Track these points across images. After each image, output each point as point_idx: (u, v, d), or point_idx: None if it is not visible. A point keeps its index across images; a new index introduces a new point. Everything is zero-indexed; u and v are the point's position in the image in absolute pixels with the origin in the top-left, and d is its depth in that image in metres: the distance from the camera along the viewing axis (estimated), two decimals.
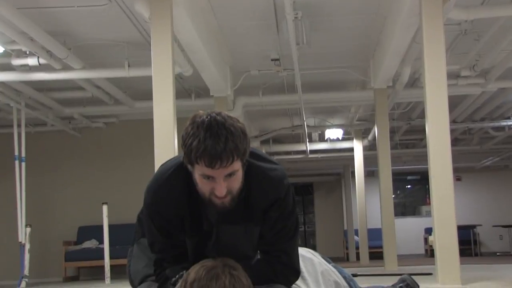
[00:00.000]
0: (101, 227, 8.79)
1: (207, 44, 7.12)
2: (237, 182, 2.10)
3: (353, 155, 14.32)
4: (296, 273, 2.32)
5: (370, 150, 14.25)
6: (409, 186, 21.17)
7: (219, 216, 2.22)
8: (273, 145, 14.47)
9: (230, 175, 2.05)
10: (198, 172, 2.05)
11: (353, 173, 15.33)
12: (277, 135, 13.70)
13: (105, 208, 8.67)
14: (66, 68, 7.89)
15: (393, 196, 9.48)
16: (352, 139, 14.24)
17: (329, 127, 13.38)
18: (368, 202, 14.30)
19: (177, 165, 2.21)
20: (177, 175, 2.19)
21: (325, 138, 14.31)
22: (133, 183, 9.58)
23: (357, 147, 14.21)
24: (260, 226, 2.25)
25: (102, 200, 9.03)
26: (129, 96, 9.90)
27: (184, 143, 2.04)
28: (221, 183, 2.04)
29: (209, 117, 2.03)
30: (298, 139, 14.36)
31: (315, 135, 14.24)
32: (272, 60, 8.52)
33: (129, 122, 11.18)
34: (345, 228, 18.52)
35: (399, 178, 17.97)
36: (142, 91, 9.35)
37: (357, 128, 13.69)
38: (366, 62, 9.20)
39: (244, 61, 8.93)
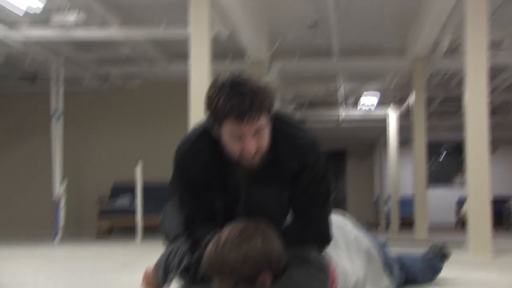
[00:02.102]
0: (135, 184, 8.90)
1: (245, 6, 7.06)
2: (264, 139, 2.12)
3: (388, 123, 14.20)
4: (327, 239, 2.32)
5: (405, 119, 14.10)
6: (442, 156, 20.96)
7: (248, 178, 2.23)
8: (307, 110, 14.41)
9: (258, 131, 2.07)
10: (227, 132, 2.07)
11: (386, 141, 15.22)
12: (312, 100, 13.63)
13: (139, 165, 8.77)
14: (104, 26, 7.91)
15: (426, 165, 9.40)
16: (387, 106, 14.10)
17: (365, 94, 13.24)
18: (400, 171, 14.21)
19: (204, 129, 2.24)
20: (205, 137, 2.22)
21: (360, 105, 14.18)
22: (167, 142, 9.63)
23: (392, 115, 14.08)
24: (288, 190, 2.25)
25: (136, 158, 9.13)
26: (165, 57, 9.91)
27: (209, 104, 2.07)
28: (250, 140, 2.06)
29: (231, 77, 2.06)
30: (333, 105, 14.27)
31: (350, 101, 14.11)
32: (310, 23, 8.43)
33: (164, 83, 11.20)
34: (376, 196, 18.47)
35: (433, 148, 17.75)
36: (178, 52, 9.34)
37: (393, 96, 13.53)
38: (405, 28, 9.04)
39: (281, 25, 8.84)
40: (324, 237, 2.31)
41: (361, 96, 13.34)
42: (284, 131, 2.21)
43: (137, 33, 8.31)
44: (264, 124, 2.08)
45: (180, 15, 7.37)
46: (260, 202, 2.27)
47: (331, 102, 14.05)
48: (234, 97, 2.00)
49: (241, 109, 2.00)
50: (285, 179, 2.23)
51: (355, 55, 10.11)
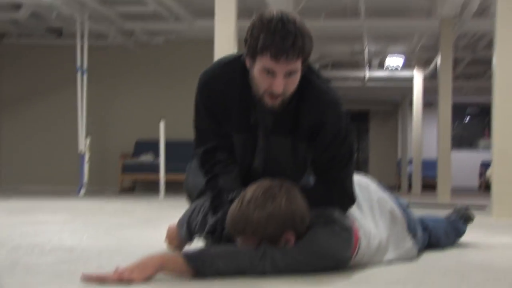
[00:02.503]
0: (158, 142, 8.95)
1: None
2: (293, 83, 2.11)
3: (413, 85, 14.06)
4: (351, 200, 2.32)
5: (431, 81, 13.94)
6: (467, 119, 20.75)
7: (268, 122, 2.22)
8: (332, 70, 14.30)
9: (290, 73, 2.06)
10: (260, 64, 2.06)
11: (411, 102, 15.09)
12: (337, 60, 13.50)
13: (162, 123, 8.80)
14: None
15: (451, 127, 9.31)
16: (413, 68, 13.94)
17: (390, 54, 13.09)
18: (424, 133, 14.12)
19: (236, 58, 2.25)
20: (234, 66, 2.23)
21: (385, 66, 14.03)
22: (190, 100, 9.62)
23: (417, 76, 13.93)
24: (304, 145, 2.24)
25: (159, 115, 9.16)
26: (190, 13, 9.84)
27: (250, 34, 2.06)
28: (280, 79, 2.05)
29: (280, 14, 2.05)
30: (358, 66, 14.14)
31: (375, 62, 13.97)
32: None
33: (189, 40, 11.15)
34: (399, 157, 18.41)
35: (458, 110, 17.58)
36: (204, 8, 9.27)
37: (419, 57, 13.36)
38: None
39: None
40: (348, 197, 2.30)
41: (386, 57, 13.18)
42: (312, 82, 2.20)
43: None
44: (298, 67, 2.07)
45: None
46: (278, 152, 2.27)
47: (356, 63, 13.91)
48: (278, 33, 2.00)
49: (282, 46, 1.99)
50: (303, 132, 2.22)
51: (381, 15, 9.95)
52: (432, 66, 13.00)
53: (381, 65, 14.18)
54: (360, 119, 20.64)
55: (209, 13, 6.10)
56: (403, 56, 13.15)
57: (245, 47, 2.10)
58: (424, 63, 13.69)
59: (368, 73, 14.06)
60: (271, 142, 2.26)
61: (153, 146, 10.04)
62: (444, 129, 9.12)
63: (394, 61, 13.28)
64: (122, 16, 10.07)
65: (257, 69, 2.08)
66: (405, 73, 14.33)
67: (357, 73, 14.57)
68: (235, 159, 2.33)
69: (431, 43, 11.92)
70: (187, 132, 8.87)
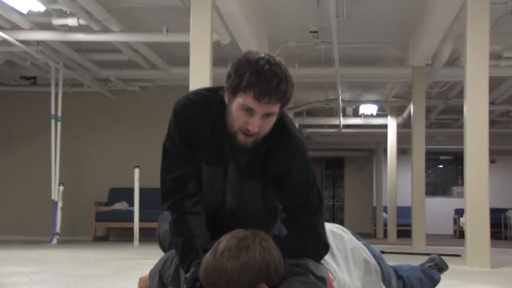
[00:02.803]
0: (132, 190, 8.88)
1: (246, 12, 7.05)
2: (268, 125, 2.11)
3: (387, 132, 14.20)
4: (325, 246, 2.30)
5: (404, 128, 14.10)
6: (441, 166, 20.96)
7: (242, 163, 2.22)
8: (307, 117, 14.41)
9: (268, 115, 2.07)
10: (240, 101, 2.05)
11: (385, 150, 15.21)
12: (311, 108, 13.62)
13: (136, 171, 8.75)
14: (105, 30, 7.91)
15: (424, 175, 9.39)
16: (387, 115, 14.10)
17: (364, 102, 13.25)
18: (398, 180, 14.19)
19: (214, 90, 2.25)
20: (211, 97, 2.22)
21: (359, 114, 14.19)
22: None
23: (391, 124, 14.07)
24: (271, 190, 2.23)
25: (134, 163, 9.11)
26: (166, 62, 9.90)
27: (235, 71, 2.06)
28: (258, 119, 2.05)
29: (268, 55, 2.07)
30: (332, 113, 14.26)
31: (349, 110, 14.12)
32: (310, 32, 8.43)
33: (164, 88, 11.20)
34: (374, 204, 18.45)
35: (431, 158, 17.76)
36: (179, 57, 9.34)
37: (392, 105, 13.54)
38: (406, 38, 9.04)
39: (282, 32, 8.84)
40: (321, 244, 2.28)
41: (360, 104, 13.34)
42: (286, 127, 2.21)
43: (138, 38, 8.31)
44: (276, 111, 2.08)
45: (181, 21, 7.37)
46: (248, 195, 2.26)
47: (331, 110, 14.04)
48: (264, 74, 2.00)
49: (267, 88, 2.00)
50: (270, 177, 2.22)
51: (355, 64, 10.10)
52: (405, 113, 13.17)
53: (355, 113, 14.32)
54: (335, 166, 20.74)
55: (185, 61, 6.15)
56: (377, 104, 13.32)
57: (227, 83, 2.10)
58: (397, 111, 13.87)
59: (342, 121, 14.20)
60: (242, 184, 2.26)
61: (127, 194, 9.95)
62: (418, 176, 9.19)
63: (368, 108, 13.43)
64: (97, 64, 10.10)
65: (236, 105, 2.07)
66: (379, 121, 14.48)
67: (332, 121, 14.69)
68: (202, 196, 2.31)
69: (404, 91, 12.12)
70: None
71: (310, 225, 2.25)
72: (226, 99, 2.13)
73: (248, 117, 2.06)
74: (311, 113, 14.49)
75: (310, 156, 2.26)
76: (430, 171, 20.06)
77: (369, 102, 13.24)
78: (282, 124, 2.19)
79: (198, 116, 2.22)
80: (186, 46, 6.00)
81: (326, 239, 2.30)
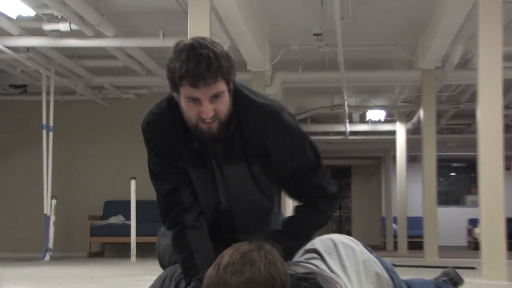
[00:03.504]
0: (128, 203, 8.88)
1: (246, 15, 7.07)
2: (223, 105, 2.14)
3: (395, 139, 14.21)
4: (333, 197, 2.37)
5: (414, 134, 14.10)
6: (453, 174, 20.94)
7: (219, 152, 2.25)
8: (311, 124, 14.42)
9: (215, 96, 2.10)
10: (183, 95, 2.11)
11: (394, 157, 15.21)
12: (316, 114, 13.64)
13: (133, 183, 8.75)
14: (98, 35, 7.93)
15: (436, 183, 9.38)
16: (395, 121, 14.11)
17: (371, 108, 13.26)
18: (409, 189, 14.19)
19: (169, 97, 2.30)
20: (170, 104, 2.29)
21: (366, 120, 14.19)
22: None
23: (400, 130, 14.08)
24: (258, 163, 2.26)
25: (130, 175, 9.11)
26: (162, 67, 9.92)
27: (168, 67, 2.12)
28: (206, 105, 2.09)
29: (191, 40, 2.11)
30: (338, 120, 14.27)
31: (355, 116, 14.13)
32: (314, 34, 8.45)
33: (161, 95, 11.09)
34: (383, 215, 18.43)
35: (443, 165, 17.74)
36: None
37: (401, 110, 13.56)
38: (415, 40, 9.06)
39: (284, 35, 8.86)
40: (331, 200, 2.36)
41: (367, 110, 13.35)
42: (246, 99, 2.24)
43: (133, 43, 8.33)
44: (222, 89, 2.10)
45: (178, 24, 7.39)
46: (236, 182, 2.29)
47: (336, 117, 14.05)
48: (191, 60, 2.04)
49: (197, 72, 2.04)
50: (252, 154, 2.25)
51: (361, 68, 10.12)
52: (415, 119, 13.17)
53: (362, 119, 14.33)
54: (342, 175, 20.73)
55: None
56: (385, 109, 13.33)
57: (169, 84, 2.17)
58: (406, 116, 13.88)
59: (349, 127, 14.21)
60: (227, 174, 2.29)
61: (123, 207, 9.95)
62: (429, 185, 9.18)
63: (376, 114, 13.44)
64: (91, 71, 10.12)
65: (182, 100, 2.13)
66: (388, 127, 14.49)
67: (338, 127, 14.69)
68: (200, 207, 2.34)
69: (413, 95, 12.13)
70: None
71: (314, 185, 2.31)
72: (176, 98, 2.19)
73: (198, 106, 2.11)
74: (315, 119, 14.50)
75: (287, 116, 2.26)
76: (441, 179, 20.04)
77: (376, 107, 13.24)
78: (240, 97, 2.23)
79: (166, 126, 2.29)
80: None
81: (335, 191, 2.37)
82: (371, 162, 20.26)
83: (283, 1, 7.62)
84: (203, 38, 2.12)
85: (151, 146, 2.35)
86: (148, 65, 9.56)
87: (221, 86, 2.10)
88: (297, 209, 2.38)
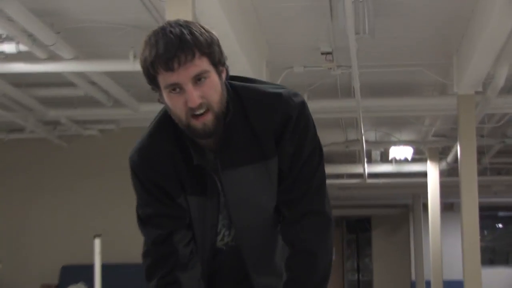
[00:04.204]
0: (91, 267, 8.81)
1: (238, 30, 7.11)
2: (212, 89, 2.16)
3: (426, 182, 14.19)
4: (329, 220, 2.34)
5: (449, 176, 14.11)
6: (500, 225, 20.91)
7: (218, 156, 2.27)
8: None
9: (199, 78, 2.12)
10: (163, 86, 2.16)
11: (425, 205, 15.18)
12: (327, 152, 13.57)
13: (97, 242, 8.69)
14: (53, 57, 7.94)
15: (479, 237, 9.35)
16: (426, 160, 14.11)
17: (395, 143, 13.27)
18: (444, 245, 14.14)
19: (161, 113, 2.37)
20: (163, 120, 2.35)
21: (389, 159, 14.20)
22: (134, 210, 9.59)
23: (432, 171, 14.07)
24: (275, 163, 2.30)
25: (93, 232, 9.05)
26: (134, 97, 9.94)
27: (140, 64, 2.19)
28: (190, 89, 2.12)
29: (162, 25, 2.17)
30: (354, 159, 14.27)
31: (376, 154, 14.15)
32: (322, 53, 8.48)
33: (132, 130, 11.19)
34: (413, 278, 18.35)
35: (487, 214, 17.74)
36: (149, 90, 9.36)
37: (433, 146, 13.57)
38: (448, 59, 9.10)
39: (285, 54, 8.90)
40: (326, 218, 2.34)
41: (391, 147, 13.36)
42: (247, 86, 2.30)
43: (97, 66, 8.35)
44: (205, 67, 2.13)
45: None
46: (242, 191, 2.30)
47: (352, 155, 14.06)
48: (160, 41, 2.09)
49: (168, 50, 2.08)
50: (267, 145, 2.28)
51: (382, 94, 10.15)
52: (450, 157, 13.18)
53: (384, 158, 14.33)
54: (360, 228, 20.71)
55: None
56: (412, 146, 13.34)
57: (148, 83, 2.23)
58: (440, 153, 13.88)
59: (368, 168, 14.20)
60: (229, 180, 2.29)
61: (85, 273, 9.87)
62: (470, 240, 9.13)
63: (401, 152, 13.44)
64: (43, 102, 10.12)
65: (165, 94, 2.18)
66: (416, 167, 14.49)
67: (354, 168, 14.68)
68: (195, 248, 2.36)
69: (448, 127, 12.15)
70: (132, 252, 8.75)
71: (308, 190, 2.33)
72: (161, 101, 2.25)
73: (182, 96, 2.14)
74: (326, 159, 14.42)
75: (300, 102, 2.34)
76: (486, 233, 20.01)
77: (401, 143, 13.25)
78: (241, 92, 2.27)
79: (160, 151, 2.33)
80: None
81: (330, 212, 2.36)
82: (397, 211, 20.25)
83: (283, 13, 7.66)
84: (177, 19, 2.18)
85: (142, 182, 2.36)
86: (115, 93, 9.57)
87: (203, 65, 2.13)
88: (288, 265, 2.34)
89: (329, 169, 14.59)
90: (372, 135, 12.89)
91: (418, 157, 14.21)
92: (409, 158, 13.95)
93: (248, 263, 2.40)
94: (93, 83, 9.28)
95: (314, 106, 10.17)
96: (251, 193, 2.31)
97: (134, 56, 7.87)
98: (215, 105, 2.17)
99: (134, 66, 7.94)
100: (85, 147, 11.47)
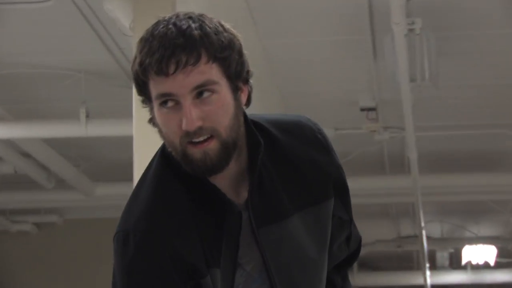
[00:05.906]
0: None
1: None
2: (220, 109, 2.11)
3: None
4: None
5: None
6: None
7: (251, 212, 2.23)
8: (360, 272, 14.41)
9: (201, 92, 2.07)
10: (154, 97, 2.09)
11: None
12: (369, 254, 13.65)
13: None
14: None
15: None
16: None
17: (471, 241, 13.28)
18: None
19: (157, 163, 2.28)
20: (163, 168, 2.25)
21: (463, 263, 14.19)
22: None
23: None
24: (332, 203, 2.41)
25: None
26: (86, 174, 9.99)
27: (131, 69, 2.15)
28: (187, 106, 2.06)
29: (172, 14, 2.16)
30: (410, 264, 14.27)
31: (442, 257, 14.14)
32: (362, 110, 8.54)
33: (83, 223, 11.27)
34: None
35: None
36: (110, 165, 9.44)
37: None
38: None
39: (306, 109, 8.94)
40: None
41: (465, 246, 13.37)
42: (278, 121, 2.40)
43: (33, 131, 8.41)
44: (213, 79, 2.08)
45: (115, 97, 7.49)
46: (290, 255, 2.30)
47: (406, 259, 14.05)
48: (160, 38, 2.07)
49: (164, 47, 2.06)
50: (317, 187, 2.35)
51: (449, 168, 10.18)
52: None
53: (455, 263, 14.32)
54: None
55: (121, 173, 6.22)
56: (496, 244, 13.34)
57: (143, 104, 2.19)
58: None
59: (431, 278, 14.19)
60: (269, 242, 2.26)
61: None
62: None
63: (480, 252, 13.45)
64: None
65: (156, 109, 2.12)
66: (502, 276, 14.47)
67: (411, 278, 14.67)
68: None
69: None
70: None
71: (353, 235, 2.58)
72: (154, 124, 2.17)
73: (177, 114, 2.08)
74: (368, 264, 14.50)
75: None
76: None
77: (480, 240, 13.26)
78: (266, 124, 2.32)
79: (179, 206, 2.23)
80: (123, 144, 6.08)
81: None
82: None
83: (304, 52, 7.73)
84: (190, 11, 2.18)
85: (161, 265, 2.20)
86: (59, 170, 9.63)
87: (211, 74, 2.08)
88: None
89: (372, 279, 14.64)
90: (436, 229, 12.90)
91: (505, 261, 14.20)
92: (492, 263, 13.94)
93: None
94: (26, 156, 9.34)
95: (353, 186, 10.14)
96: (301, 250, 2.33)
97: (87, 116, 7.91)
98: (223, 130, 2.13)
99: (86, 129, 7.98)
100: (15, 247, 11.50)
